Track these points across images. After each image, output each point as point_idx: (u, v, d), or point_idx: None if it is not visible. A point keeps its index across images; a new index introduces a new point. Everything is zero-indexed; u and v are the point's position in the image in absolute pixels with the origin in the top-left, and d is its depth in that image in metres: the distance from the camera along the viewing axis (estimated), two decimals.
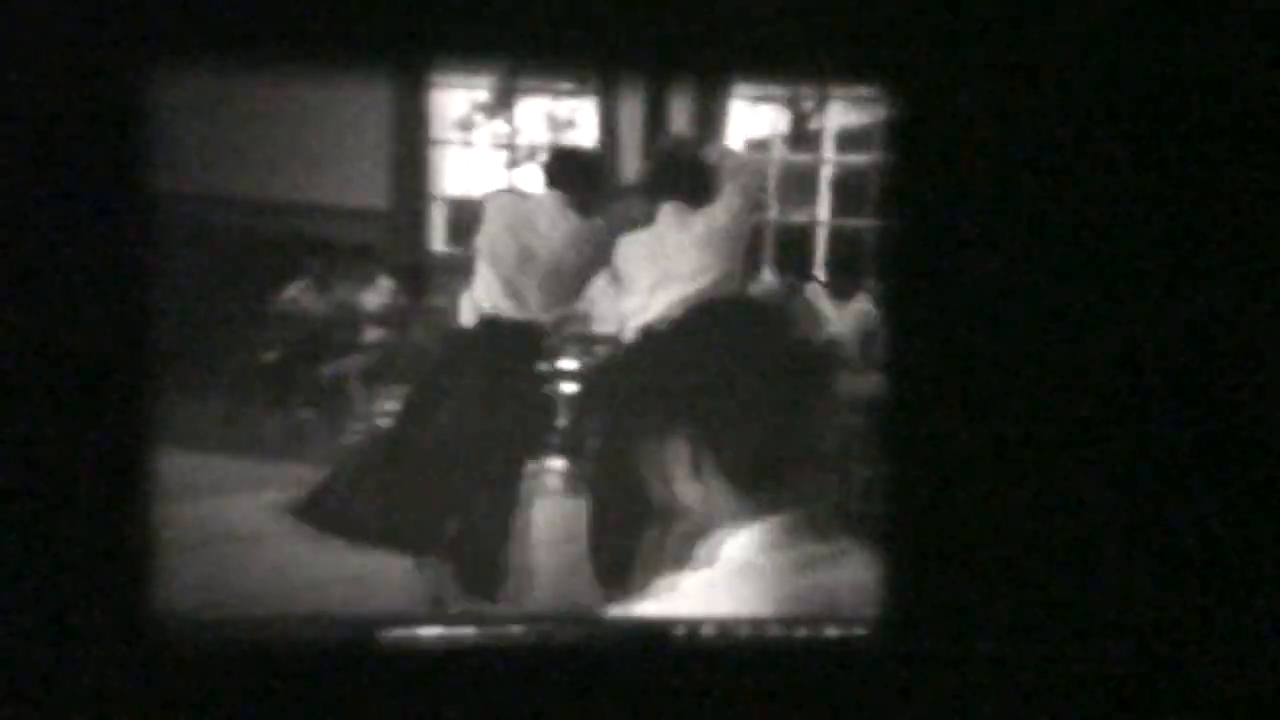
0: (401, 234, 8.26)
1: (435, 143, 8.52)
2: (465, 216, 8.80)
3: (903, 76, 1.61)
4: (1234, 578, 1.68)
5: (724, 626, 1.56)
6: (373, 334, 6.63)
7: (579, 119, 8.75)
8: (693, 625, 1.56)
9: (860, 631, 1.64)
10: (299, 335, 6.54)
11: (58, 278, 1.58)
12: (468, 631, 1.72)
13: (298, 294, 6.56)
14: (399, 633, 1.70)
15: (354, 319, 6.63)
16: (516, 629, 1.72)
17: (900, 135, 1.62)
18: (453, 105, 8.83)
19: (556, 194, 4.18)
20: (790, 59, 1.60)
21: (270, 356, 6.28)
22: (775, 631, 1.60)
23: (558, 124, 8.76)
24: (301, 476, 4.47)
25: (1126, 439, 1.66)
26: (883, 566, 1.57)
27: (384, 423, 3.91)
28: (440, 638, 1.71)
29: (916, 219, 1.62)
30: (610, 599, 2.55)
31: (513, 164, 8.64)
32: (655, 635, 1.64)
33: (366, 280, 6.64)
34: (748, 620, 1.53)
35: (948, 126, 1.62)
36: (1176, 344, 1.65)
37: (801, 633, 1.60)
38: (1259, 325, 1.64)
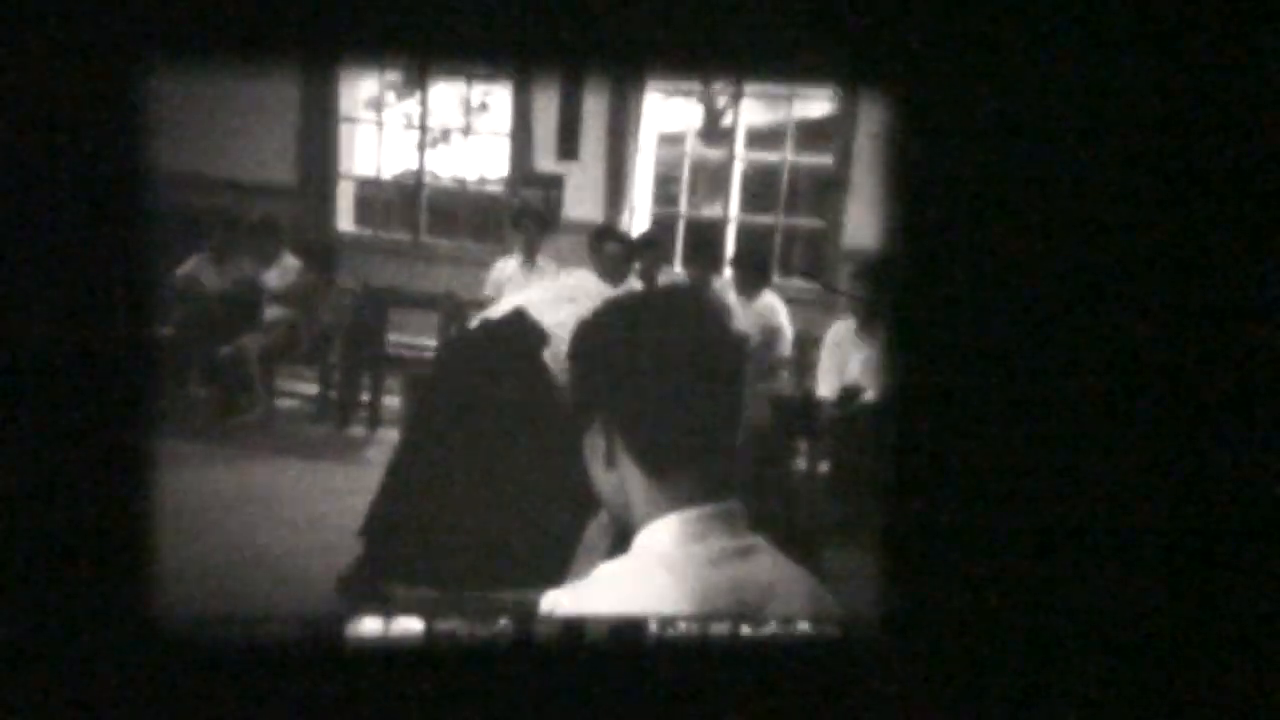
0: (308, 211, 8.13)
1: (345, 120, 8.41)
2: (371, 195, 8.71)
3: (901, 79, 1.61)
4: (1234, 578, 1.69)
5: (724, 627, 1.58)
6: (274, 312, 6.50)
7: (492, 104, 8.71)
8: (694, 624, 1.57)
9: (860, 631, 1.65)
10: (195, 311, 6.39)
11: (45, 277, 1.55)
12: (468, 631, 1.71)
13: (195, 268, 6.41)
14: (399, 632, 1.69)
15: (254, 296, 6.49)
16: (517, 629, 1.71)
17: (900, 138, 1.62)
18: (364, 84, 8.73)
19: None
20: (789, 60, 1.61)
21: (166, 332, 6.13)
22: (775, 632, 1.61)
23: (470, 108, 8.71)
24: (191, 454, 4.39)
25: (1126, 439, 1.68)
26: (882, 566, 1.60)
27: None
28: (441, 636, 1.70)
29: (915, 221, 1.63)
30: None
31: (423, 146, 8.56)
32: (654, 635, 1.64)
33: (270, 257, 6.51)
34: (747, 621, 1.54)
35: (946, 130, 1.62)
36: (1174, 344, 1.66)
37: (801, 633, 1.61)
38: (1259, 330, 1.67)
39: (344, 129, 8.44)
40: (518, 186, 8.12)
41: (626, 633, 1.62)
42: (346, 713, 1.63)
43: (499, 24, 1.57)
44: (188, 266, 6.40)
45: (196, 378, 6.53)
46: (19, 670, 1.57)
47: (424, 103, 8.71)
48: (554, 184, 8.14)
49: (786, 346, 5.63)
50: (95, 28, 1.52)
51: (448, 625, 1.65)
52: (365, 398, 6.47)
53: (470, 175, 8.69)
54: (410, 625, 1.67)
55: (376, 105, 8.66)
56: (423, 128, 8.66)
